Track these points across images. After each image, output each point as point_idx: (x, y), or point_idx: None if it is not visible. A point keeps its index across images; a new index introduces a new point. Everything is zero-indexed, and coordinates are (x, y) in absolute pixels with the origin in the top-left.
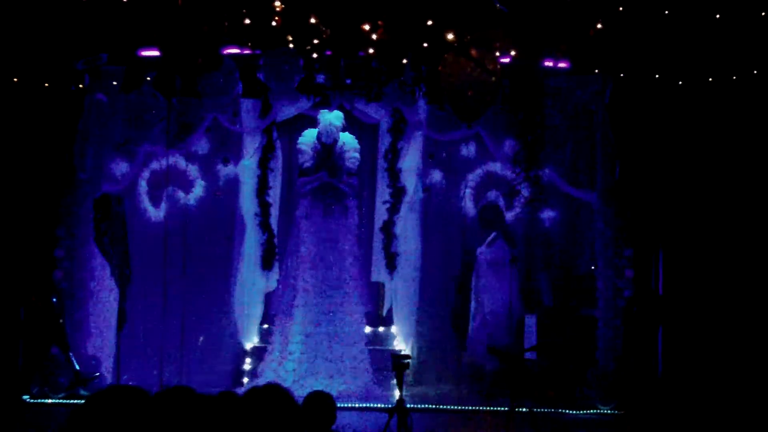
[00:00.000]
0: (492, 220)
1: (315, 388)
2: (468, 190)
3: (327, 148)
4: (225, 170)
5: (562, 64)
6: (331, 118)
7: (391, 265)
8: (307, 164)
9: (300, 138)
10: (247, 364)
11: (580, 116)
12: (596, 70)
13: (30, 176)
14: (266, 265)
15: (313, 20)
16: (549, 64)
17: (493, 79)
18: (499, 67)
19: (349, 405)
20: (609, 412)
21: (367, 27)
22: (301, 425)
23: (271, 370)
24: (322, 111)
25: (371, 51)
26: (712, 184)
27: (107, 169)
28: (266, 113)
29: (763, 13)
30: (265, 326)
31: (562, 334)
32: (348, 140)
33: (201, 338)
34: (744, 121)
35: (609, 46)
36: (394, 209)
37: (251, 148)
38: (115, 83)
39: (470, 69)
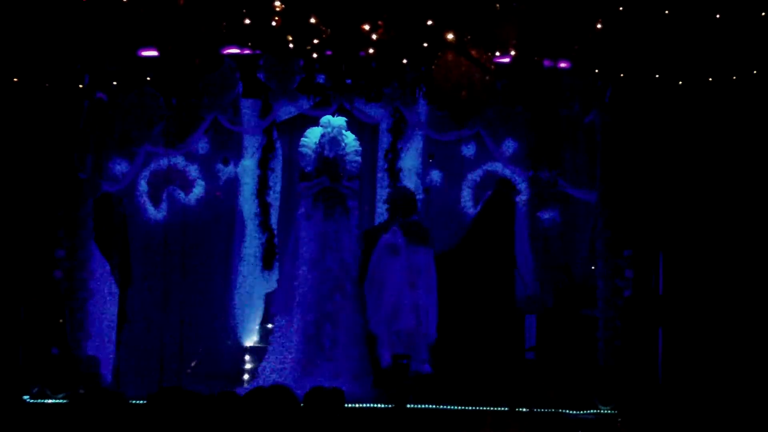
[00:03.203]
0: (403, 208)
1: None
2: (468, 190)
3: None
4: (225, 170)
5: (562, 64)
6: (335, 132)
7: None
8: (308, 168)
9: (302, 139)
10: (247, 364)
11: (580, 116)
12: (596, 70)
13: (30, 176)
14: (266, 265)
15: (313, 20)
16: (549, 63)
17: (488, 78)
18: (494, 66)
19: (349, 405)
20: (609, 412)
21: (367, 27)
22: (303, 425)
23: (270, 370)
24: (326, 118)
25: (371, 51)
26: (712, 183)
27: (107, 169)
28: (266, 113)
29: (763, 13)
30: (265, 326)
31: (563, 334)
32: (350, 142)
33: (200, 352)
34: (744, 122)
35: (609, 46)
36: None
37: (251, 148)
38: (115, 83)
39: (465, 68)
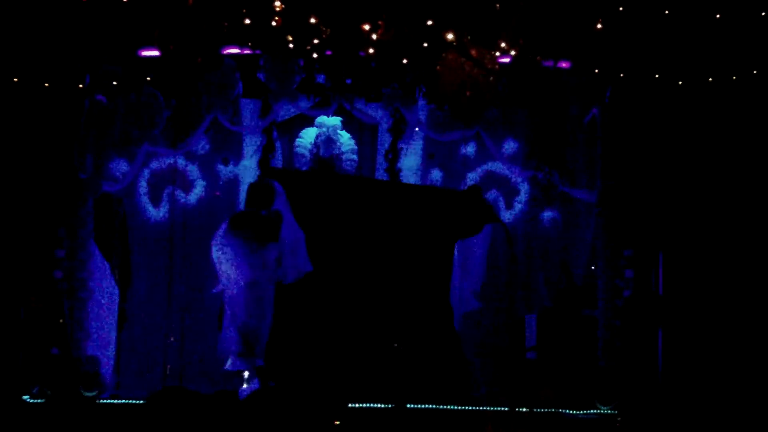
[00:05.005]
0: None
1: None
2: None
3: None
4: (225, 170)
5: (562, 64)
6: (330, 132)
7: None
8: (304, 168)
9: (297, 139)
10: None
11: (580, 116)
12: (596, 70)
13: (30, 176)
14: None
15: (313, 20)
16: (550, 63)
17: (491, 78)
18: (497, 66)
19: (348, 404)
20: (609, 412)
21: (367, 27)
22: (302, 425)
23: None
24: (320, 118)
25: (371, 51)
26: (712, 183)
27: (107, 169)
28: (266, 113)
29: (763, 13)
30: None
31: (562, 334)
32: (345, 141)
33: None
34: (744, 122)
35: (609, 46)
36: None
37: (251, 148)
38: (115, 83)
39: (468, 68)
